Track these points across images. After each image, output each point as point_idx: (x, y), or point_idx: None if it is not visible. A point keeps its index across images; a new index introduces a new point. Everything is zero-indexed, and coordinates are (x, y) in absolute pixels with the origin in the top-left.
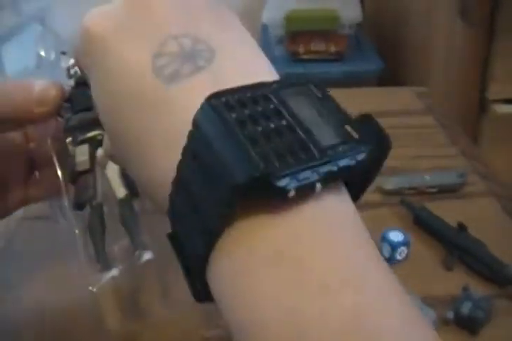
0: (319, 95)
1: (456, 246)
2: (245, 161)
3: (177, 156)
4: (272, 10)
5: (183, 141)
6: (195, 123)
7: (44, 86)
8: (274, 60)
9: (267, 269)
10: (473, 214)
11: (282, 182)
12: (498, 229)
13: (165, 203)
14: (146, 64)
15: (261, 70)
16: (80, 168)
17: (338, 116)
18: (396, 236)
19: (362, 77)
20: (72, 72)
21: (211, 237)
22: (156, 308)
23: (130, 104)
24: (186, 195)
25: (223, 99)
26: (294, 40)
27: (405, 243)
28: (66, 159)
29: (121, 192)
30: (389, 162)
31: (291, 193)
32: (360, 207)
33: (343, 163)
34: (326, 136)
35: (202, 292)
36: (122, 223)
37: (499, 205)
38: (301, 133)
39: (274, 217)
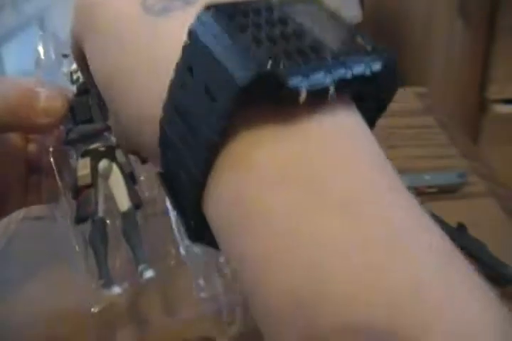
0: (325, 11)
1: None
2: (249, 60)
3: (166, 82)
4: None
5: (172, 68)
6: (191, 34)
7: (50, 95)
8: None
9: (273, 191)
10: (473, 214)
11: (292, 81)
12: (498, 230)
13: (153, 145)
14: (135, 6)
15: None
16: (82, 182)
17: (348, 28)
18: None
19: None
20: (75, 77)
21: (208, 157)
22: (157, 317)
23: (120, 43)
24: (179, 117)
25: (222, 9)
26: None
27: None
28: (67, 171)
29: (124, 205)
30: None
31: (303, 95)
32: None
33: (358, 70)
34: (337, 43)
35: (198, 231)
36: (125, 238)
37: (499, 205)
38: (309, 39)
39: (281, 129)
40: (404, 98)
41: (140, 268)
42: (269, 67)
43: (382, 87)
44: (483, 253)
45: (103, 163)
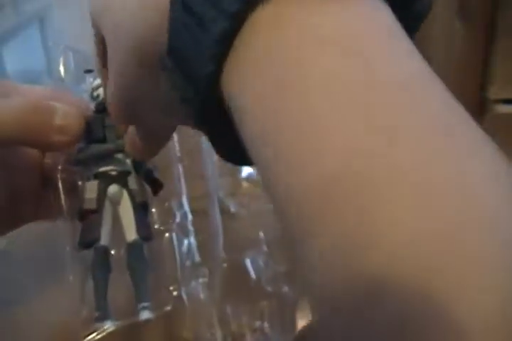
0: None
1: None
2: None
3: None
4: None
5: None
6: None
7: (67, 112)
8: None
9: (317, 58)
10: None
11: None
12: None
13: (158, 26)
14: None
15: None
16: (87, 206)
17: None
18: None
19: None
20: (95, 93)
21: (237, 16)
22: None
23: None
24: None
25: None
26: None
27: None
28: (75, 192)
29: (131, 235)
30: None
31: None
32: None
33: None
34: None
35: (210, 112)
36: (129, 271)
37: None
38: None
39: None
40: None
41: (139, 306)
42: None
43: None
44: None
45: (113, 188)
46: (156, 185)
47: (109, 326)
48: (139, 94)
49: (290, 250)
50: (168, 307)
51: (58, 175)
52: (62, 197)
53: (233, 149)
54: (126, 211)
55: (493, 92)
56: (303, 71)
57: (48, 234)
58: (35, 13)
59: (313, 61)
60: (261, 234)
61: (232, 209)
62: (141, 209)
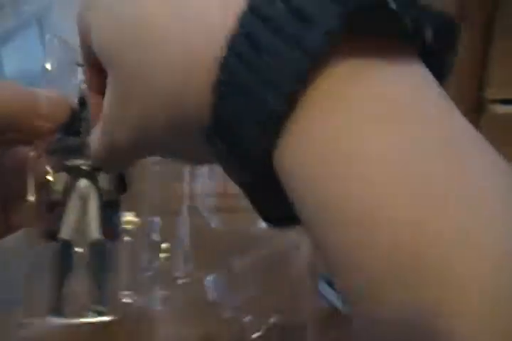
0: None
1: None
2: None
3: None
4: None
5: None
6: None
7: (52, 101)
8: None
9: (377, 131)
10: None
11: (410, 15)
12: None
13: (201, 94)
14: None
15: None
16: (54, 197)
17: None
18: None
19: None
20: (82, 87)
21: (294, 90)
22: None
23: None
24: (253, 48)
25: None
26: None
27: None
28: (44, 184)
29: (94, 233)
30: None
31: (428, 34)
32: None
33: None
34: None
35: (259, 176)
36: (88, 271)
37: None
38: None
39: (380, 66)
40: None
41: (94, 307)
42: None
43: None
44: None
45: (82, 183)
46: (122, 186)
47: (58, 321)
48: (155, 145)
49: (263, 276)
50: (117, 316)
51: (29, 164)
52: (30, 186)
53: (274, 208)
54: (92, 208)
55: (491, 93)
56: (364, 145)
57: None
58: (34, 13)
59: (373, 137)
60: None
61: (213, 225)
62: (108, 208)
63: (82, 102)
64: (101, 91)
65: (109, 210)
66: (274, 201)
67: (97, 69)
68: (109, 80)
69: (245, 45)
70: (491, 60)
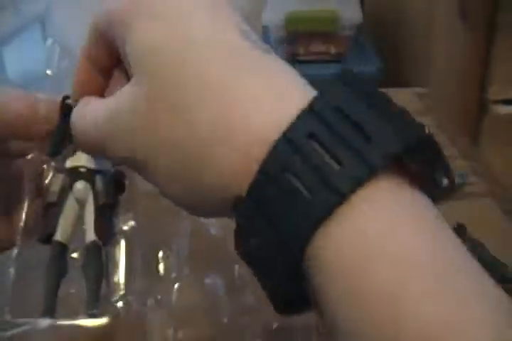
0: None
1: None
2: (404, 125)
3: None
4: (272, 11)
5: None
6: (322, 84)
7: (51, 104)
8: None
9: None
10: (472, 214)
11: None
12: (498, 230)
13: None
14: (232, 26)
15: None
16: (50, 199)
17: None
18: None
19: (362, 78)
20: None
21: (323, 216)
22: None
23: (210, 55)
24: (292, 173)
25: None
26: (293, 41)
27: None
28: (39, 184)
29: (90, 236)
30: None
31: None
32: None
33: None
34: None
35: (290, 296)
36: (83, 273)
37: (498, 206)
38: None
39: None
40: (403, 98)
41: (87, 310)
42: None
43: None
44: (482, 253)
45: (79, 185)
46: (120, 188)
47: (50, 322)
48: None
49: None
50: (110, 318)
51: (25, 165)
52: (26, 186)
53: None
54: (89, 210)
55: (493, 93)
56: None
57: None
58: (35, 14)
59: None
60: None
61: (212, 232)
62: (104, 211)
63: None
64: (96, 65)
65: (106, 212)
66: (285, 285)
67: (102, 51)
68: (134, 87)
69: (308, 141)
70: (493, 61)
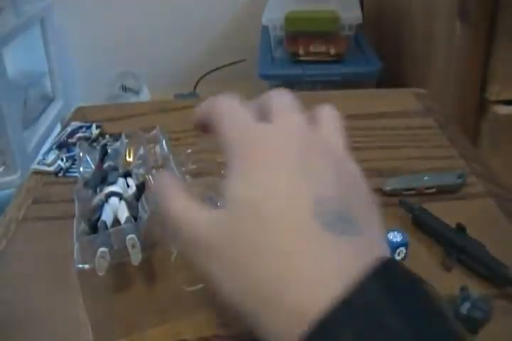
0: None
1: (454, 247)
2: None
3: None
4: (272, 11)
5: (335, 288)
6: (369, 278)
7: None
8: (273, 62)
9: None
10: (472, 214)
11: None
12: (497, 230)
13: None
14: (306, 206)
15: (383, 253)
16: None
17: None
18: (395, 236)
19: (361, 79)
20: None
21: None
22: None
23: (281, 237)
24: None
25: (391, 274)
26: (293, 42)
27: (404, 243)
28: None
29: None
30: (388, 163)
31: None
32: None
33: None
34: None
35: None
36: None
37: (498, 206)
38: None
39: None
40: (403, 99)
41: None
42: None
43: None
44: (482, 253)
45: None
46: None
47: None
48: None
49: None
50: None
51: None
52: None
53: None
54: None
55: (493, 93)
56: None
57: (48, 234)
58: (35, 14)
59: None
60: None
61: None
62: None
63: (141, 187)
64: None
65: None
66: None
67: None
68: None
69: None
70: (493, 61)
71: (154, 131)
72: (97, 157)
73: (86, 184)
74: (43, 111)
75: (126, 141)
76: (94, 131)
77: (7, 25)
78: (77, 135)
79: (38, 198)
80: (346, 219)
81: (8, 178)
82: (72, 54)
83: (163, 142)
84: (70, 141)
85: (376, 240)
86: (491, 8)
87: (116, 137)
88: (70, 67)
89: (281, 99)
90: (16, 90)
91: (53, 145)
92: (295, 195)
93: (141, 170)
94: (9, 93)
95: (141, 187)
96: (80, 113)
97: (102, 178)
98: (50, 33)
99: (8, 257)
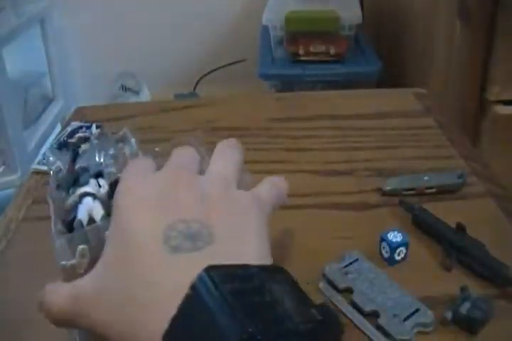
0: (290, 281)
1: (454, 247)
2: (237, 324)
3: (168, 314)
4: (272, 11)
5: (175, 301)
6: (193, 287)
7: None
8: (273, 62)
9: None
10: (472, 214)
11: None
12: (497, 230)
13: None
14: (158, 232)
15: (248, 257)
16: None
17: (305, 301)
18: (395, 236)
19: (361, 79)
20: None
21: None
22: None
23: (133, 261)
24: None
25: (218, 272)
26: (293, 42)
27: (404, 243)
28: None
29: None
30: (388, 163)
31: None
32: (359, 208)
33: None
34: (297, 315)
35: None
36: None
37: (498, 206)
38: (279, 310)
39: None
40: (403, 99)
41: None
42: (251, 331)
43: None
44: (482, 253)
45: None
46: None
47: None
48: None
49: None
50: None
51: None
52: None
53: None
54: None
55: (493, 93)
56: None
57: (48, 234)
58: (35, 14)
59: None
60: None
61: None
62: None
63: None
64: None
65: None
66: None
67: None
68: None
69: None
70: (493, 61)
71: (122, 132)
72: (68, 159)
73: (58, 186)
74: (43, 111)
75: (96, 141)
76: (94, 131)
77: (7, 25)
78: (77, 135)
79: (38, 198)
80: (199, 235)
81: (8, 178)
82: (72, 54)
83: (132, 141)
84: (70, 141)
85: (235, 247)
86: (491, 8)
87: (86, 139)
88: (70, 67)
89: (177, 158)
90: (16, 90)
91: (53, 145)
92: (147, 229)
93: (113, 169)
94: (9, 93)
95: (114, 185)
96: (79, 113)
97: (74, 180)
98: (50, 33)
99: (8, 257)
